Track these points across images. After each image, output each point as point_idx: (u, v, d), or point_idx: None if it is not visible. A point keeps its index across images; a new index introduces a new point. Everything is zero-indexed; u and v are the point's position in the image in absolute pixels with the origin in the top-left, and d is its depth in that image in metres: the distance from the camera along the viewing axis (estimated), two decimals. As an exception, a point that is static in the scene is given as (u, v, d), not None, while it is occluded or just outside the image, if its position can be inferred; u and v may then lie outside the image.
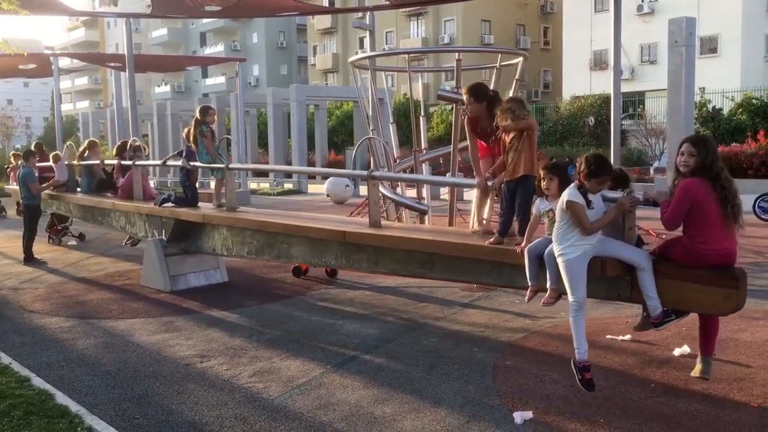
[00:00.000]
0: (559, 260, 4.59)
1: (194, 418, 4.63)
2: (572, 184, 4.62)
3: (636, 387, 4.95)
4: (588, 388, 4.57)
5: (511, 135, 5.40)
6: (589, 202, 4.50)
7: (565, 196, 4.52)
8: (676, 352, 5.65)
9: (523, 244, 5.03)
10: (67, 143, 15.24)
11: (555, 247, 4.63)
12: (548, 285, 4.84)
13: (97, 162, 11.82)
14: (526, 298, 5.13)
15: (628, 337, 6.09)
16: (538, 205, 4.99)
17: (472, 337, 6.43)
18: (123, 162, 10.62)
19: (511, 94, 10.67)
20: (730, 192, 4.42)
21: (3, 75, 29.38)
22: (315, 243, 7.10)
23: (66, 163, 12.28)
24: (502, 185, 5.58)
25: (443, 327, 6.84)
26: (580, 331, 4.59)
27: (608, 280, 4.74)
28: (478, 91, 5.99)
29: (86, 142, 12.62)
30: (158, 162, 10.87)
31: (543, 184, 4.85)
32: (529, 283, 5.00)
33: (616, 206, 4.58)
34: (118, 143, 11.84)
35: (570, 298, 4.58)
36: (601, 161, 4.53)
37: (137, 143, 10.82)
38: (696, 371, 4.88)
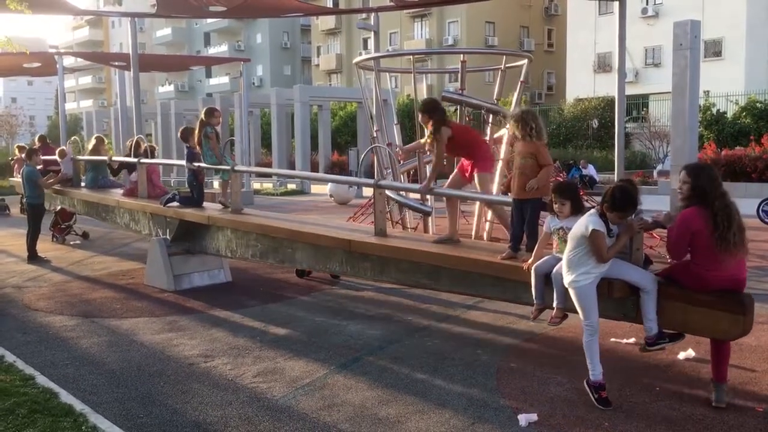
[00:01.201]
0: (571, 287, 4.58)
1: (198, 417, 4.64)
2: (593, 210, 4.59)
3: (640, 390, 4.95)
4: (605, 406, 4.57)
5: (519, 150, 5.41)
6: (609, 231, 4.48)
7: (590, 224, 4.46)
8: (681, 355, 5.65)
9: (530, 262, 5.02)
10: (72, 138, 15.25)
11: (566, 274, 4.61)
12: (555, 304, 4.83)
13: (105, 158, 11.87)
14: (532, 316, 5.14)
15: (632, 340, 6.08)
16: (549, 223, 4.98)
17: (477, 338, 6.43)
18: (128, 159, 10.64)
19: (515, 96, 10.69)
20: (722, 222, 4.34)
21: (7, 73, 29.40)
22: (320, 249, 7.08)
23: (71, 157, 12.32)
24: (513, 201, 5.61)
25: (447, 328, 6.84)
26: (595, 354, 4.61)
27: (615, 300, 4.73)
28: (422, 104, 6.67)
29: (95, 138, 12.62)
30: (166, 161, 10.90)
31: (555, 207, 4.84)
32: (535, 302, 5.00)
33: (625, 230, 4.56)
34: (129, 142, 11.80)
35: (584, 322, 4.60)
36: (626, 195, 4.47)
37: (145, 144, 10.86)
38: (712, 400, 4.64)
